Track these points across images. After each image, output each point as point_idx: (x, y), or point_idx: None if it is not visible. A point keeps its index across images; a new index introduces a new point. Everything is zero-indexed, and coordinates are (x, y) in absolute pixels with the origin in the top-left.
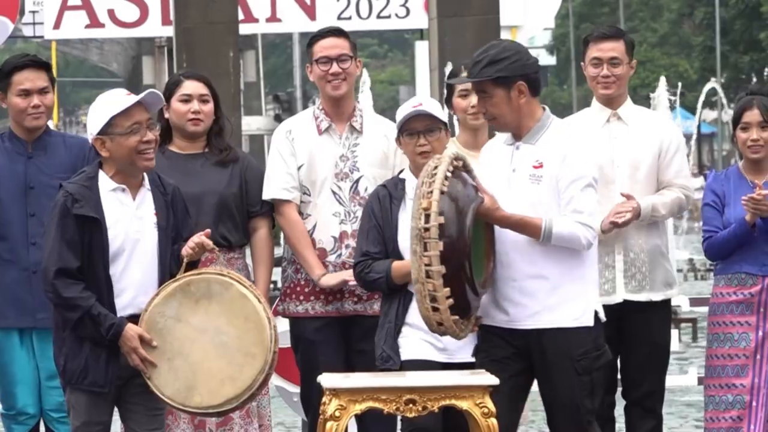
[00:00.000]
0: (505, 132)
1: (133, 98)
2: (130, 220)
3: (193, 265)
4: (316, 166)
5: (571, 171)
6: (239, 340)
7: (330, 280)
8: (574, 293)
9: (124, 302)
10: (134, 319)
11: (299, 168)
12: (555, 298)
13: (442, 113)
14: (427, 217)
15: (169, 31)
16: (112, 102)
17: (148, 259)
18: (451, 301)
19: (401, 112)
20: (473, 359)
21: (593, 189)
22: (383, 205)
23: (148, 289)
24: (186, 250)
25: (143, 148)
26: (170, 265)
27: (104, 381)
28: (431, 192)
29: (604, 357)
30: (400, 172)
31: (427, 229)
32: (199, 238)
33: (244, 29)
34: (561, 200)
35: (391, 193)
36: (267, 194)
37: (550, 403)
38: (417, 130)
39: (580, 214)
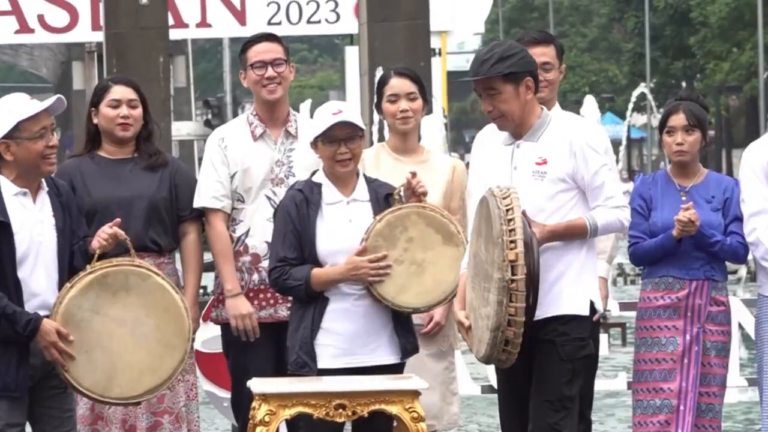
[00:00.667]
0: (506, 131)
1: (42, 104)
2: (33, 223)
3: (103, 257)
4: (251, 173)
5: (591, 163)
6: (159, 331)
7: (234, 309)
8: (572, 281)
9: (33, 305)
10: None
11: (233, 175)
12: (557, 287)
13: (361, 120)
14: (513, 268)
15: (99, 36)
16: (19, 106)
17: (49, 261)
18: (521, 340)
19: (321, 119)
20: (394, 361)
21: (613, 170)
22: (300, 210)
23: (53, 291)
24: (97, 242)
25: (48, 152)
26: (71, 264)
27: (15, 385)
28: (514, 242)
29: (588, 348)
30: (313, 174)
31: (513, 281)
32: (111, 228)
33: (175, 35)
34: (590, 193)
35: (307, 198)
36: (197, 202)
37: (533, 388)
38: (338, 138)
39: (612, 198)
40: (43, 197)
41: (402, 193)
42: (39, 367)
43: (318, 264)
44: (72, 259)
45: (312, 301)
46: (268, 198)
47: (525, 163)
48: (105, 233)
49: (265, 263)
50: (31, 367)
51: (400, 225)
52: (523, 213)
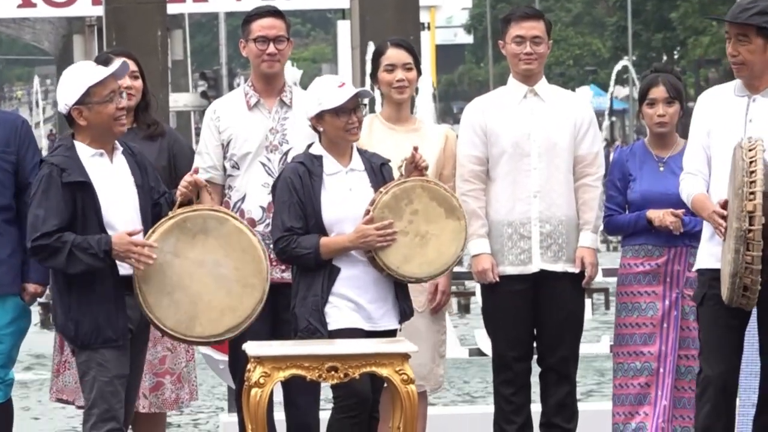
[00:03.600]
0: (741, 78)
1: (108, 70)
2: (113, 181)
3: (185, 205)
4: (246, 140)
5: None
6: (237, 271)
7: None
8: None
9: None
10: (131, 279)
11: (228, 143)
12: None
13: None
14: (751, 219)
15: (99, 10)
16: (87, 73)
17: (133, 216)
18: (761, 287)
19: (327, 92)
20: (397, 326)
21: None
22: (304, 181)
23: None
24: (180, 190)
25: (119, 114)
26: (160, 216)
27: (117, 335)
28: (753, 194)
29: None
30: (309, 146)
31: (750, 231)
32: (191, 177)
33: (172, 9)
34: None
35: (309, 170)
36: None
37: None
38: (348, 108)
39: None
40: (119, 157)
41: (403, 167)
42: (137, 322)
43: (323, 233)
44: (160, 211)
45: (319, 269)
46: (263, 164)
47: (762, 116)
48: (185, 181)
49: (260, 227)
50: (133, 322)
51: (406, 197)
52: None
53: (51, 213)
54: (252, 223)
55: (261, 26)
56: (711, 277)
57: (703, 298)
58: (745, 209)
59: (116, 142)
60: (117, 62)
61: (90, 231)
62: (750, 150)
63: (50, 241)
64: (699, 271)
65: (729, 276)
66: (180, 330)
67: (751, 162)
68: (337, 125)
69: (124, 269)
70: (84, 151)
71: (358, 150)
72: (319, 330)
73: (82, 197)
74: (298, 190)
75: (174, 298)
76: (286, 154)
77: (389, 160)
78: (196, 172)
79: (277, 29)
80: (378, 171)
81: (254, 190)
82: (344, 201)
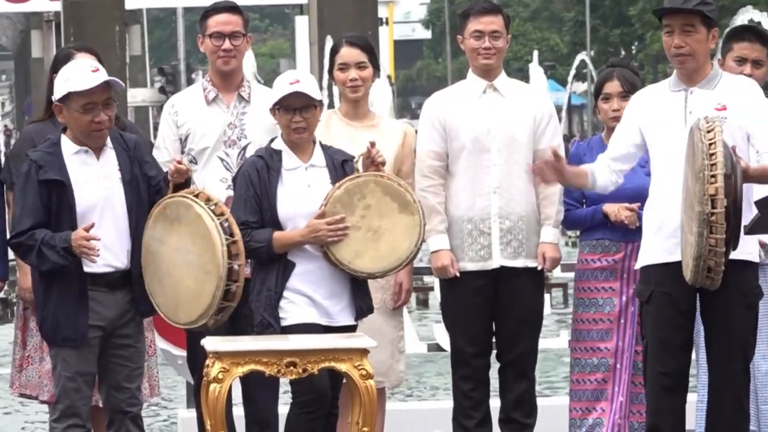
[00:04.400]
0: (684, 71)
1: (94, 81)
2: (97, 178)
3: (180, 187)
4: (204, 134)
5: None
6: (200, 258)
7: None
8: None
9: (104, 257)
10: (108, 277)
11: (186, 138)
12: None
13: (318, 91)
14: (713, 202)
15: (57, 5)
16: (75, 77)
17: (119, 214)
18: (724, 268)
19: (279, 86)
20: (353, 323)
21: None
22: (261, 175)
23: (124, 241)
24: (169, 176)
25: (95, 128)
26: (143, 214)
27: (75, 335)
28: (714, 177)
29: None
30: (272, 141)
31: (713, 214)
32: (173, 165)
33: (130, 4)
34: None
35: (268, 164)
36: None
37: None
38: (293, 107)
39: None
40: (108, 153)
41: (360, 162)
42: (110, 320)
43: (278, 227)
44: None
45: (274, 264)
46: (221, 159)
47: (701, 108)
48: (170, 169)
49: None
50: (103, 320)
51: (358, 192)
52: (733, 149)
53: (26, 212)
54: None
55: (216, 22)
56: (659, 273)
57: (651, 295)
58: (707, 193)
59: (108, 137)
60: (102, 77)
61: (63, 228)
62: (708, 132)
63: (23, 239)
64: (643, 268)
65: (693, 259)
66: (170, 316)
67: (710, 144)
68: (283, 122)
69: (88, 267)
70: (68, 147)
71: (322, 146)
72: (272, 325)
73: (57, 194)
74: (255, 184)
75: (163, 285)
76: (244, 149)
77: (353, 157)
78: (179, 161)
79: (233, 25)
80: (339, 167)
81: (212, 185)
82: (301, 197)
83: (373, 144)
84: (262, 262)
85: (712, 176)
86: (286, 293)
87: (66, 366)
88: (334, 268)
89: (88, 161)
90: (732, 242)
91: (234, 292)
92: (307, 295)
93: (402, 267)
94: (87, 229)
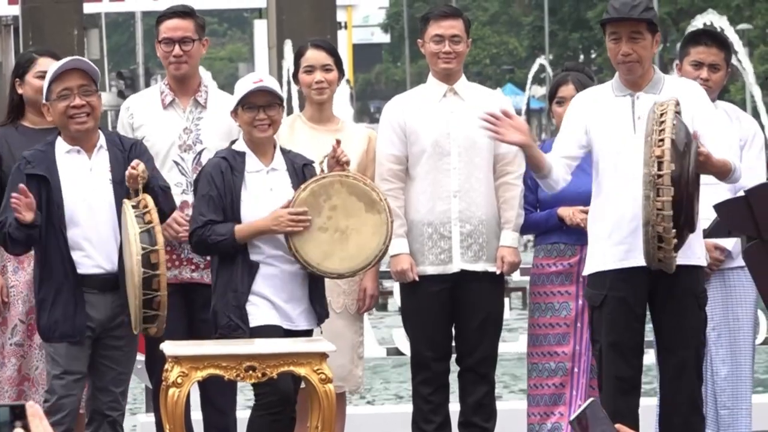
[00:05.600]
0: (631, 77)
1: (61, 63)
2: (86, 178)
3: (147, 188)
4: (159, 138)
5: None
6: (128, 266)
7: None
8: (698, 230)
9: (93, 254)
10: (98, 278)
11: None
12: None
13: (280, 90)
14: (660, 164)
15: (15, 10)
16: (51, 70)
17: (106, 214)
18: (675, 240)
19: (242, 86)
20: (313, 327)
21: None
22: (225, 176)
23: (109, 241)
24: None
25: (72, 113)
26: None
27: (73, 331)
28: (662, 140)
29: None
30: (233, 142)
31: (660, 176)
32: (128, 172)
33: (88, 8)
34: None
35: (232, 166)
36: None
37: (666, 336)
38: (257, 105)
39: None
40: (100, 154)
41: (325, 163)
42: (100, 321)
43: None
44: (156, 197)
45: (237, 265)
46: (177, 164)
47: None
48: (129, 176)
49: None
50: (93, 321)
51: (324, 193)
52: (694, 135)
53: (8, 206)
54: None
55: (167, 28)
56: (613, 278)
57: (603, 300)
58: (653, 155)
59: (103, 138)
60: (66, 59)
61: (53, 225)
62: (661, 105)
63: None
64: (594, 274)
65: (642, 226)
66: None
67: (662, 114)
68: (245, 119)
69: (83, 268)
70: (61, 147)
71: (282, 150)
72: (240, 326)
73: (46, 191)
74: (218, 185)
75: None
76: (199, 154)
77: (312, 161)
78: (134, 166)
79: (183, 30)
80: (300, 172)
81: None
82: (264, 200)
83: (338, 143)
84: (225, 256)
85: (660, 140)
86: (251, 297)
87: (55, 365)
88: (304, 270)
89: (78, 160)
90: (687, 224)
91: (159, 301)
92: (268, 299)
93: (371, 266)
94: (22, 191)
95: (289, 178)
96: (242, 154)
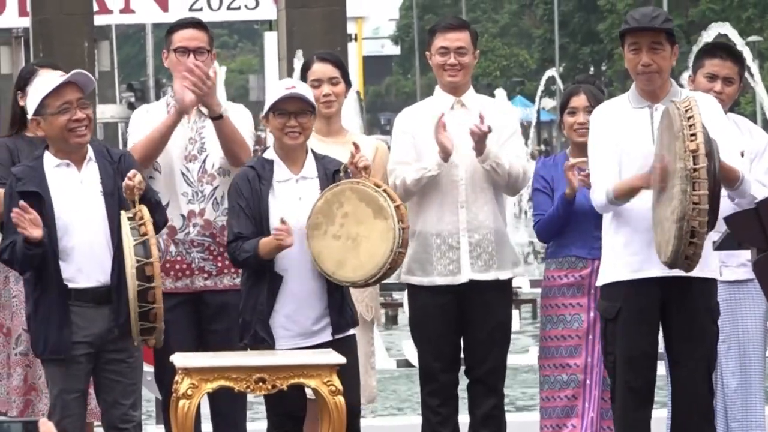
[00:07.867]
0: (651, 88)
1: (62, 79)
2: (76, 191)
3: (143, 199)
4: (166, 150)
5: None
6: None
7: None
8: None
9: (73, 268)
10: (92, 292)
11: None
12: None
13: (312, 97)
14: (695, 158)
15: (25, 22)
16: (43, 84)
17: (98, 226)
18: (706, 235)
19: (273, 92)
20: (329, 338)
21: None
22: (253, 186)
23: (102, 253)
24: (127, 194)
25: (73, 126)
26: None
27: (58, 347)
28: (695, 135)
29: None
30: (264, 150)
31: (696, 170)
32: (125, 183)
33: (99, 20)
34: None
35: (260, 175)
36: None
37: (682, 347)
38: (289, 111)
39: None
40: (90, 166)
41: (348, 170)
42: (97, 335)
43: None
44: (151, 208)
45: (263, 278)
46: (183, 174)
47: None
48: (125, 187)
49: (180, 236)
50: (90, 336)
51: (336, 201)
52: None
53: (10, 225)
54: (173, 231)
55: (182, 37)
56: (628, 290)
57: (618, 312)
58: (688, 149)
59: (91, 150)
60: (73, 72)
61: (46, 239)
62: (683, 102)
63: (7, 253)
64: (608, 285)
65: (675, 222)
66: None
67: (687, 110)
68: (276, 125)
69: (77, 282)
70: (50, 161)
71: (315, 155)
72: (266, 339)
73: (38, 207)
74: (246, 195)
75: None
76: (204, 161)
77: (343, 165)
78: (131, 177)
79: (198, 41)
80: (331, 178)
81: (175, 199)
82: (292, 210)
83: (357, 148)
84: (253, 272)
85: (692, 134)
86: (276, 311)
87: (53, 384)
88: (318, 284)
89: (68, 174)
90: (712, 222)
91: (155, 313)
92: (290, 315)
93: (381, 273)
94: (23, 208)
95: (319, 185)
96: (270, 162)
